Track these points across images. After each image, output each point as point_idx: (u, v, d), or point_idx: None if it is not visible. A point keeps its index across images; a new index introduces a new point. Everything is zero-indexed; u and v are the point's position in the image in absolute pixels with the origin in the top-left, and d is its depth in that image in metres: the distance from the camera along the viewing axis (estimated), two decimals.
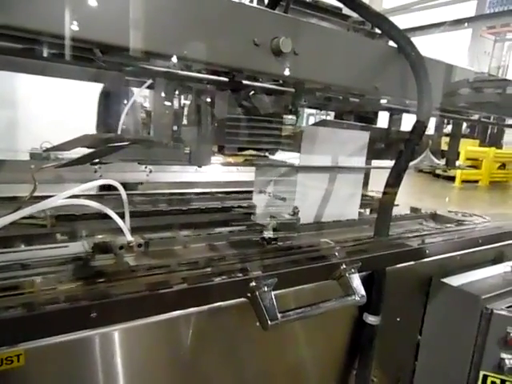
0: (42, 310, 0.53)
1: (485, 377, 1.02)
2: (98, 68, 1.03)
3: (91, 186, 0.78)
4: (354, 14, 1.90)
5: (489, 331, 1.01)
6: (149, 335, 0.64)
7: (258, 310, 0.66)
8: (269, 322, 0.65)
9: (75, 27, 0.58)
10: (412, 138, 0.97)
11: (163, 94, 1.09)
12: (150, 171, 1.78)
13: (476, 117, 1.63)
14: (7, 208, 0.97)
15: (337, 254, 0.82)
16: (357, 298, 0.79)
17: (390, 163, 1.06)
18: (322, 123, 1.45)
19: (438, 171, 11.46)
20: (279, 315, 0.66)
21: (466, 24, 1.83)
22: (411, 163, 1.66)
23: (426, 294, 1.15)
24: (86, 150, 1.18)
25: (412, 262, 1.08)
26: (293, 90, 1.05)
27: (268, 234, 1.08)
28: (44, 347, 0.55)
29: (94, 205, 0.77)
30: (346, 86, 0.92)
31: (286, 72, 0.77)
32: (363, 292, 0.80)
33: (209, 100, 1.08)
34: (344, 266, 0.79)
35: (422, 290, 1.14)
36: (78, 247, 0.86)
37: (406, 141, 1.00)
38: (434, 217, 1.68)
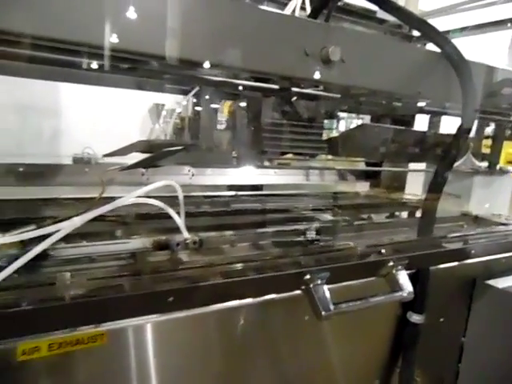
0: (124, 293, 0.60)
1: None
2: (143, 77, 1.11)
3: (154, 187, 0.85)
4: (391, 18, 1.91)
5: None
6: (211, 323, 0.70)
7: (313, 302, 0.70)
8: (322, 313, 0.69)
9: (125, 39, 0.65)
10: (456, 141, 0.99)
11: (211, 102, 1.17)
12: (193, 174, 1.86)
13: None
14: (73, 207, 1.07)
15: (383, 251, 0.85)
16: (404, 294, 0.82)
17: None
18: (362, 127, 1.48)
19: None
20: (332, 307, 0.70)
21: (509, 24, 1.81)
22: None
23: (470, 296, 1.15)
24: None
25: (455, 263, 1.09)
26: (335, 95, 1.09)
27: (311, 234, 1.13)
28: (123, 328, 0.62)
29: (158, 203, 0.84)
30: (390, 92, 0.95)
31: (335, 79, 0.81)
32: (410, 288, 0.83)
33: (255, 106, 1.14)
34: (391, 263, 0.82)
35: (465, 291, 1.14)
36: (138, 243, 0.94)
37: (450, 144, 1.01)
38: (476, 219, 1.66)
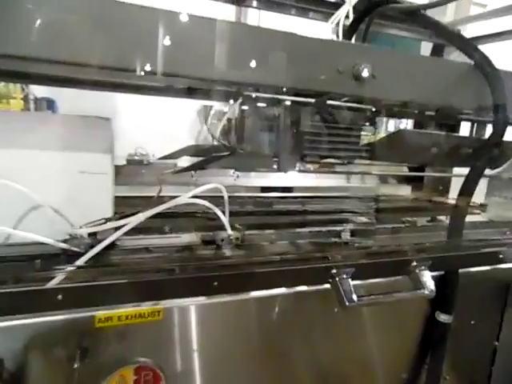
0: (178, 275, 0.73)
1: None
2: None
3: (205, 189, 0.98)
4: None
5: None
6: (248, 308, 0.82)
7: (338, 293, 0.79)
8: (346, 303, 0.78)
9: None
10: (486, 148, 1.03)
11: (255, 111, 1.28)
12: (238, 176, 1.99)
13: None
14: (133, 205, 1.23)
15: (408, 252, 0.92)
16: (426, 292, 0.88)
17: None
18: (398, 133, 1.52)
19: None
20: (356, 298, 0.78)
21: None
22: (494, 171, 1.66)
23: (504, 301, 1.18)
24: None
25: (488, 268, 1.12)
26: (367, 107, 1.16)
27: (345, 235, 1.21)
28: (178, 307, 0.75)
29: (207, 204, 0.97)
30: (421, 104, 1.01)
31: (366, 94, 0.90)
32: (433, 287, 0.89)
33: (295, 115, 1.24)
34: (415, 263, 0.89)
35: (499, 295, 1.17)
36: (189, 238, 1.07)
37: (480, 150, 1.05)
38: (508, 224, 1.64)
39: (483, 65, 0.98)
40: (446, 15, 2.19)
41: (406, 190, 2.18)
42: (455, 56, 2.24)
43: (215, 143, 1.37)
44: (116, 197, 1.46)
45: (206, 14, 0.79)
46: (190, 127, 5.74)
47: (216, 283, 0.73)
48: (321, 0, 1.77)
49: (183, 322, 0.80)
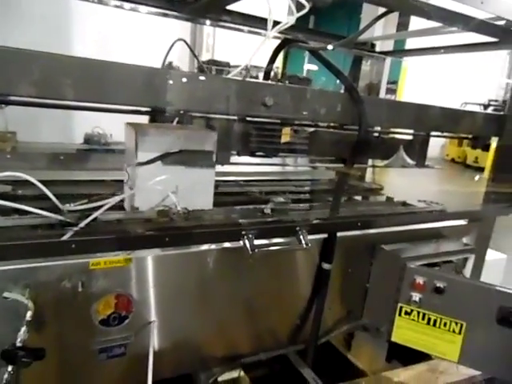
0: (143, 234, 1.16)
1: (401, 307, 1.57)
2: None
3: None
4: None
5: (404, 278, 1.55)
6: (186, 259, 1.28)
7: (245, 246, 1.25)
8: (250, 252, 1.25)
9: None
10: (355, 146, 1.51)
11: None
12: None
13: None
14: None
15: (296, 221, 1.39)
16: (304, 246, 1.36)
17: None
18: (314, 132, 2.00)
19: (468, 162, 11.45)
20: (256, 249, 1.26)
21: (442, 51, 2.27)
22: (384, 162, 2.20)
23: (372, 256, 1.70)
24: None
25: (359, 232, 1.64)
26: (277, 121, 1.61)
27: (267, 210, 1.67)
28: (142, 257, 1.19)
29: None
30: (308, 119, 1.47)
31: (272, 114, 1.33)
32: (306, 244, 1.36)
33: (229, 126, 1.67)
34: (298, 228, 1.37)
35: (368, 252, 1.69)
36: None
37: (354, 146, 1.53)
38: (404, 204, 2.19)
39: (352, 92, 1.44)
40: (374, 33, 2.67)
41: (331, 175, 2.69)
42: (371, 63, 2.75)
43: None
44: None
45: (163, 30, 1.15)
46: None
47: (167, 239, 1.16)
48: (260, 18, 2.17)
49: (145, 267, 1.24)
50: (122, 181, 1.55)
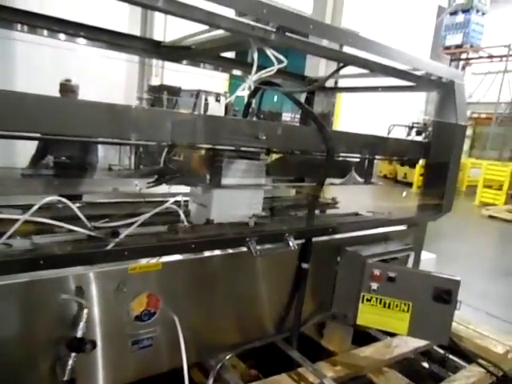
0: (166, 243, 1.45)
1: (363, 296, 1.98)
2: None
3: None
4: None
5: (365, 272, 1.97)
6: (198, 263, 1.58)
7: (249, 250, 1.59)
8: (254, 254, 1.58)
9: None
10: (326, 167, 1.92)
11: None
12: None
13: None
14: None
15: (285, 229, 1.77)
16: (292, 248, 1.73)
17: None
18: (280, 158, 2.40)
19: (398, 178, 12.71)
20: (258, 252, 1.60)
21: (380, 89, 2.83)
22: (341, 180, 2.65)
23: (338, 256, 2.11)
24: None
25: (328, 237, 2.04)
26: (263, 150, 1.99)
27: (251, 222, 2.01)
28: (170, 261, 1.48)
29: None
30: (281, 148, 1.87)
31: (262, 146, 1.70)
32: (295, 246, 1.74)
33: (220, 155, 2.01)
34: (286, 235, 1.74)
35: (335, 253, 2.10)
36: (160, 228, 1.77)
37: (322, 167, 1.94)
38: (357, 214, 2.66)
39: (320, 127, 1.86)
40: (318, 71, 3.17)
41: (291, 192, 3.11)
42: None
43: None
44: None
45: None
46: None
47: (193, 246, 1.47)
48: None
49: (174, 270, 1.53)
50: (123, 202, 1.84)
